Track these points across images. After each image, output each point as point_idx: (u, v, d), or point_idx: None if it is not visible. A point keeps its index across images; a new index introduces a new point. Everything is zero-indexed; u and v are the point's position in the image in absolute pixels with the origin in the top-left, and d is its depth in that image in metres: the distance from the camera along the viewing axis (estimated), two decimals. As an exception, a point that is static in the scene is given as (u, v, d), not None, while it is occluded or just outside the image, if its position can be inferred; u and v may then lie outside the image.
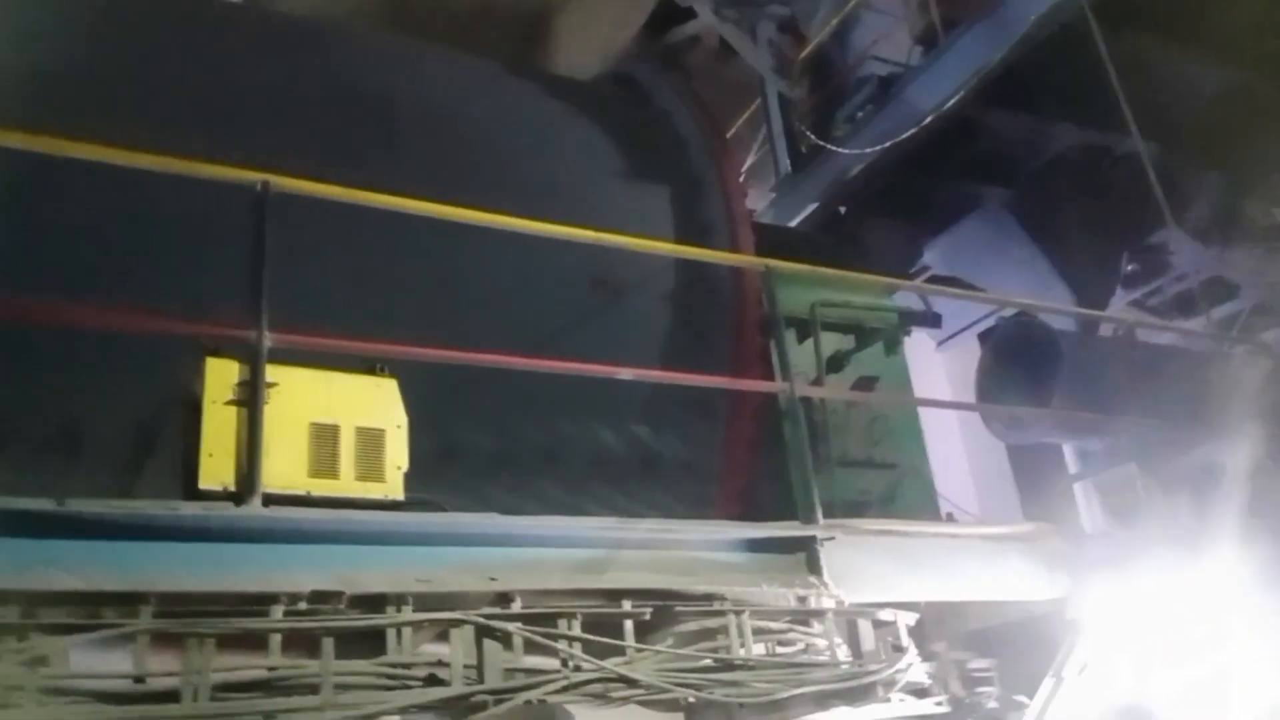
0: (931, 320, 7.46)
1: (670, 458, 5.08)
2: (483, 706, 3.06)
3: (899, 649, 3.88)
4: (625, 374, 4.14)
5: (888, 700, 3.88)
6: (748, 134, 9.08)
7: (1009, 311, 7.26)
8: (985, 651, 4.62)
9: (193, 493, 3.24)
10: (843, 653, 3.83)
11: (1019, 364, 6.70)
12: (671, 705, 3.52)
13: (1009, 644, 4.63)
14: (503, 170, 5.20)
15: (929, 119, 6.74)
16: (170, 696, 2.76)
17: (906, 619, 3.99)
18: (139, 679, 2.77)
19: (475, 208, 4.23)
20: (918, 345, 7.61)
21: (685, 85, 6.50)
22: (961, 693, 4.38)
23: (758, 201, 8.61)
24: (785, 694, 3.52)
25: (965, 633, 4.76)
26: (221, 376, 3.39)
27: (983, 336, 7.62)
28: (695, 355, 5.24)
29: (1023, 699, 4.52)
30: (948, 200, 7.40)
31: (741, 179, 8.46)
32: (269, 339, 3.36)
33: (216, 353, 3.44)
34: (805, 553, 4.03)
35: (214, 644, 2.87)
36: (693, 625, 3.65)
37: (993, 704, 4.43)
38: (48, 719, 2.62)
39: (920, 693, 4.18)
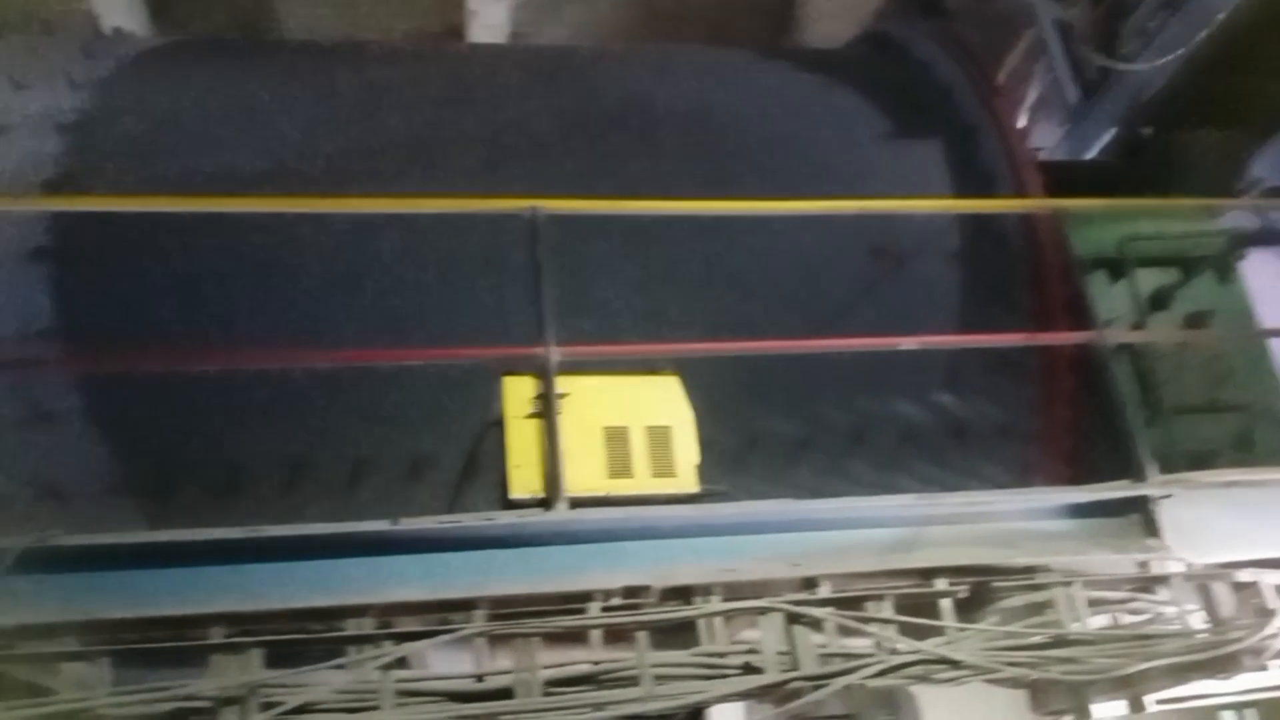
0: (1273, 238, 6.54)
1: (984, 424, 4.81)
2: (799, 693, 3.04)
3: (1267, 612, 3.42)
4: (909, 344, 3.97)
5: (1263, 669, 3.44)
6: (1026, 69, 8.39)
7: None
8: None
9: (507, 503, 3.49)
10: (1197, 620, 3.44)
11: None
12: (1014, 684, 3.33)
13: None
14: (766, 155, 5.16)
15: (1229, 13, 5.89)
16: (506, 693, 2.98)
17: (1272, 578, 3.51)
18: (479, 678, 3.02)
19: (743, 198, 4.23)
20: (1268, 266, 6.71)
21: (944, 31, 6.13)
22: (1362, 655, 3.78)
23: (1048, 138, 7.95)
24: (1132, 669, 3.21)
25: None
26: (519, 393, 3.64)
27: (1344, 247, 6.56)
28: (993, 314, 4.93)
29: None
30: (1273, 102, 6.43)
31: (1024, 118, 7.90)
32: (556, 353, 3.55)
33: (513, 372, 3.69)
34: (1140, 514, 3.69)
35: (539, 642, 3.07)
36: (1019, 601, 3.43)
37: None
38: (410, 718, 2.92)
39: (1308, 658, 3.67)
